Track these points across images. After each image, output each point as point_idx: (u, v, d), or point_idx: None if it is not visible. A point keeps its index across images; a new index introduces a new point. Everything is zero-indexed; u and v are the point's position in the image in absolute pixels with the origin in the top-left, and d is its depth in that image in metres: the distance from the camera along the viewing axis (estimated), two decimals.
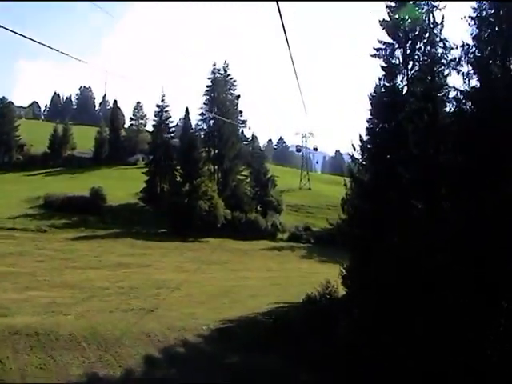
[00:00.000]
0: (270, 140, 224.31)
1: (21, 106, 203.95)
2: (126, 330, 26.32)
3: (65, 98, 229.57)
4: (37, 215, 66.38)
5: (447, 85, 29.71)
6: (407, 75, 31.09)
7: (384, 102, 31.46)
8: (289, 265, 57.91)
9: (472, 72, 27.71)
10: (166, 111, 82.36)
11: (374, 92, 32.95)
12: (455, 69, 29.09)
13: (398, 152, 29.66)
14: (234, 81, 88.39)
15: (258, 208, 79.28)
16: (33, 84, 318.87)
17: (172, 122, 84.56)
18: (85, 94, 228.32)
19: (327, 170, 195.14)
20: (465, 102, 28.46)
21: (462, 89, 27.67)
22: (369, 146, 32.93)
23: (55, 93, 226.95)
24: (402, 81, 31.29)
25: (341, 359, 25.14)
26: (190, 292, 37.56)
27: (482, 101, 26.31)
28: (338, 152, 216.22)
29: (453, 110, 29.26)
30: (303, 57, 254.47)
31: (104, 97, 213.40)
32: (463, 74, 28.02)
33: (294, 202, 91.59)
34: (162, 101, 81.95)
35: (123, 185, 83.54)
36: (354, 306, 28.90)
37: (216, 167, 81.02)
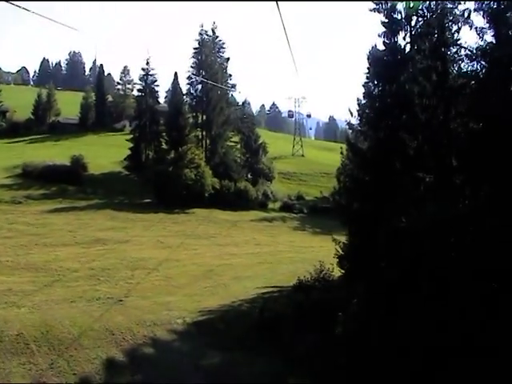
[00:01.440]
0: (263, 105, 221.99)
1: (9, 72, 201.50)
2: (86, 327, 22.49)
3: (54, 64, 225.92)
4: (13, 185, 62.15)
5: (459, 40, 25.84)
6: (410, 32, 27.13)
7: (384, 62, 27.75)
8: (280, 238, 54.31)
9: (487, 26, 24.07)
10: (151, 75, 77.55)
11: (374, 51, 29.08)
12: (467, 22, 25.28)
13: (401, 117, 25.97)
14: (223, 43, 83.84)
15: (249, 176, 75.57)
16: (21, 49, 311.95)
17: (158, 85, 79.93)
18: (74, 59, 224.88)
19: (321, 137, 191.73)
20: (479, 59, 24.70)
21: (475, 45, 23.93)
22: (367, 111, 29.28)
23: (44, 58, 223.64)
24: (404, 38, 27.34)
25: (340, 356, 21.38)
26: (169, 274, 33.85)
27: (499, 58, 22.64)
28: (331, 118, 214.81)
29: (465, 69, 25.42)
30: (295, 17, 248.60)
31: (94, 62, 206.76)
32: (476, 28, 24.29)
33: (286, 170, 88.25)
34: (147, 64, 77.03)
35: (108, 152, 79.64)
36: (354, 291, 25.33)
37: (204, 134, 76.62)
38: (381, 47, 27.96)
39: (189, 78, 77.72)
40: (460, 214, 22.39)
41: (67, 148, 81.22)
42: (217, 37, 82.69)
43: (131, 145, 74.59)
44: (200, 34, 78.00)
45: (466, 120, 24.06)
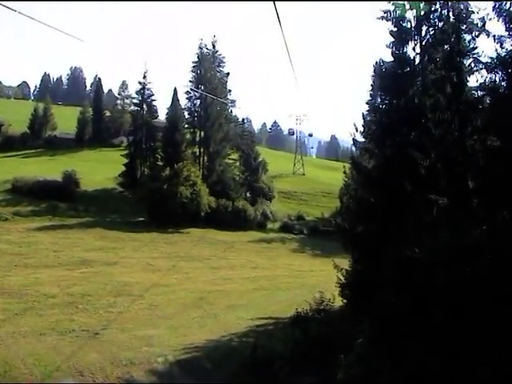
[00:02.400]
0: (264, 124, 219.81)
1: (10, 86, 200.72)
2: (52, 367, 19.48)
3: (55, 78, 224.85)
4: (1, 201, 59.66)
5: (475, 49, 23.41)
6: (420, 42, 24.71)
7: (393, 73, 25.45)
8: (278, 260, 51.62)
9: (506, 34, 21.69)
10: (148, 88, 75.06)
11: (380, 62, 26.64)
12: (484, 30, 22.88)
13: (411, 133, 23.57)
14: (223, 57, 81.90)
15: (248, 195, 72.97)
16: (23, 63, 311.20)
17: (155, 100, 77.41)
18: (76, 74, 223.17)
19: (322, 155, 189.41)
20: (497, 70, 22.24)
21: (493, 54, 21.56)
22: (373, 127, 27.05)
23: (45, 73, 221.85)
24: (414, 49, 24.87)
25: None
26: (155, 301, 30.97)
27: None
28: (333, 136, 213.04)
29: (482, 80, 22.94)
30: (297, 38, 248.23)
31: (95, 77, 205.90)
32: (494, 36, 21.87)
33: (286, 189, 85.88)
34: (144, 77, 74.65)
35: (103, 168, 77.22)
36: (358, 326, 22.55)
37: (202, 150, 73.97)
38: (388, 59, 25.77)
39: (187, 92, 75.41)
40: (477, 243, 19.79)
41: (62, 163, 78.68)
42: (217, 51, 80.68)
43: (126, 161, 71.84)
44: (200, 47, 75.74)
45: (484, 136, 21.51)
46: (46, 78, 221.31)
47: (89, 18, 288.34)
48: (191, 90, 74.15)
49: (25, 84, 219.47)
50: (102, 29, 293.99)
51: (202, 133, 73.95)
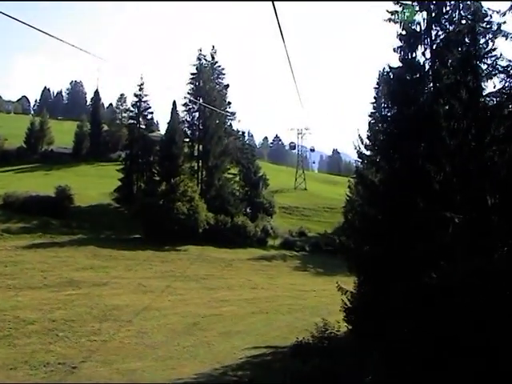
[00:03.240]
0: (266, 138, 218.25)
1: (9, 101, 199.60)
2: None
3: (55, 93, 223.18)
4: None
5: (494, 50, 21.41)
6: (431, 46, 22.57)
7: (401, 80, 23.25)
8: (279, 280, 49.17)
9: None
10: (144, 101, 72.57)
11: (388, 68, 24.57)
12: (501, 31, 21.01)
13: (422, 144, 21.48)
14: (223, 69, 79.84)
15: (248, 210, 70.47)
16: (23, 78, 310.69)
17: (152, 112, 74.48)
18: (76, 88, 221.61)
19: (324, 170, 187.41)
20: None
21: None
22: (380, 137, 24.89)
23: (45, 87, 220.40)
24: (423, 54, 22.68)
25: None
26: (144, 327, 28.60)
27: None
28: (335, 150, 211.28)
29: (501, 85, 20.96)
30: (299, 51, 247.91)
31: (95, 92, 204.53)
32: None
33: (287, 204, 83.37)
34: (141, 89, 72.24)
35: (99, 183, 74.66)
36: (366, 358, 20.18)
37: (200, 164, 71.60)
38: (394, 64, 23.69)
39: (185, 105, 73.13)
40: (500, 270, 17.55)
41: (57, 178, 76.40)
42: (216, 62, 78.58)
43: (122, 175, 69.44)
44: (198, 58, 73.42)
45: (504, 147, 19.51)
46: (46, 93, 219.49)
47: (87, 30, 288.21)
48: (190, 101, 72.01)
49: (25, 99, 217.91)
50: (100, 39, 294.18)
51: (201, 146, 71.65)
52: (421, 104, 22.14)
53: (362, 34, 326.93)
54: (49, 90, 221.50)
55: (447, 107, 21.00)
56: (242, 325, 31.16)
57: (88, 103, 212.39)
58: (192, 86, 72.86)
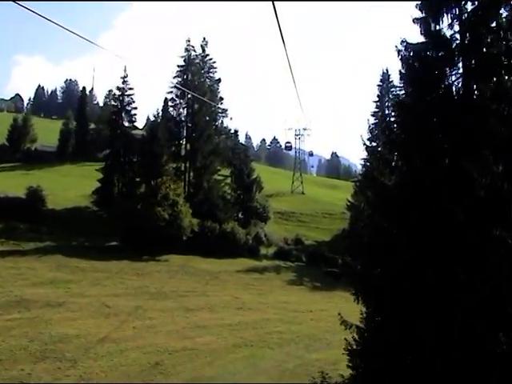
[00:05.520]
0: (264, 140, 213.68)
1: (2, 99, 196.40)
2: None
3: (50, 92, 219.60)
4: None
5: None
6: (459, 16, 16.53)
7: (423, 57, 17.62)
8: (270, 297, 42.96)
9: None
10: (128, 95, 65.88)
11: (405, 46, 18.80)
12: None
13: (452, 135, 16.06)
14: (214, 62, 73.98)
15: (240, 216, 64.31)
16: (17, 76, 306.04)
17: (136, 108, 66.93)
18: (71, 87, 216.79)
19: (323, 173, 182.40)
20: None
21: None
22: (395, 129, 19.26)
23: (39, 85, 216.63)
24: (450, 25, 17.07)
25: None
26: (90, 370, 22.29)
27: None
28: (334, 154, 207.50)
29: None
30: (299, 55, 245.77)
31: (91, 91, 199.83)
32: None
33: (283, 209, 77.67)
34: (124, 83, 65.69)
35: (81, 184, 68.32)
36: None
37: (188, 165, 65.29)
38: (414, 40, 17.83)
39: (172, 100, 67.00)
40: None
41: (37, 178, 70.13)
42: (207, 55, 72.70)
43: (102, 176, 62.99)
44: (186, 49, 67.07)
45: None
46: (40, 91, 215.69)
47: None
48: (177, 96, 65.95)
49: (18, 97, 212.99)
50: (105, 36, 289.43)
51: (189, 145, 65.41)
52: (449, 86, 16.76)
53: (362, 34, 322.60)
54: (43, 88, 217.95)
55: (496, 84, 15.38)
56: (218, 365, 24.74)
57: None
58: (179, 79, 66.68)
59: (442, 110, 16.30)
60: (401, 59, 18.40)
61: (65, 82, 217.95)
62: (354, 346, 18.36)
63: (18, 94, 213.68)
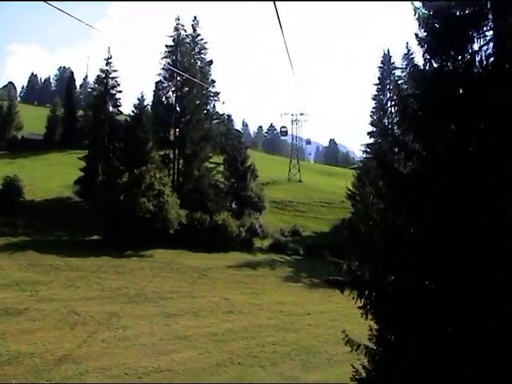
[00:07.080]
0: (261, 127, 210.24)
1: None
2: None
3: (43, 79, 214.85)
4: None
5: None
6: None
7: (447, 17, 13.95)
8: (264, 297, 38.96)
9: None
10: (112, 78, 61.22)
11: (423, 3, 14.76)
12: None
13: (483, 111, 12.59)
14: (205, 42, 69.48)
15: (233, 206, 60.21)
16: (11, 65, 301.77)
17: (120, 91, 61.90)
18: (64, 75, 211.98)
19: (321, 161, 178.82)
20: None
21: None
22: (412, 105, 15.14)
23: (32, 73, 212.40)
24: None
25: None
26: None
27: None
28: (332, 141, 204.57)
29: None
30: (296, 40, 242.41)
31: (85, 78, 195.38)
32: None
33: (280, 198, 73.93)
34: (108, 64, 60.93)
35: (66, 173, 63.66)
36: None
37: (177, 152, 60.89)
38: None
39: (160, 82, 62.58)
40: None
41: (20, 167, 66.42)
42: (198, 35, 68.26)
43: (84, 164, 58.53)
44: (176, 29, 62.33)
45: None
46: (33, 79, 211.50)
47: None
48: (165, 78, 61.57)
49: (11, 85, 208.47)
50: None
51: (177, 130, 61.06)
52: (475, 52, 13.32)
53: (361, 21, 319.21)
54: (36, 76, 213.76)
55: None
56: None
57: (77, 90, 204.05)
58: (168, 60, 62.19)
59: (469, 81, 12.99)
60: (417, 19, 14.47)
61: (58, 70, 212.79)
62: (364, 374, 14.56)
63: (10, 82, 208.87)
